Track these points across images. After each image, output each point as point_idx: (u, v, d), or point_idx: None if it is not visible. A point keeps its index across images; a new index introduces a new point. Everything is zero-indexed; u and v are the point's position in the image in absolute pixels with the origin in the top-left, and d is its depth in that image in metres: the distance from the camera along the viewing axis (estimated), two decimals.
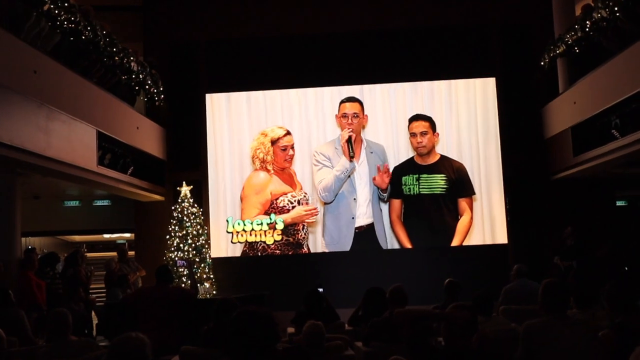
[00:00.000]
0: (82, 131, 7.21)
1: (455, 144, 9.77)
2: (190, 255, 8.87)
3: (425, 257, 9.48)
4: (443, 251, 9.47)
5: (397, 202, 9.47)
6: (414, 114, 9.53)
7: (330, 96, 9.78)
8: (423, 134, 9.31)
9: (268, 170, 9.14)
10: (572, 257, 8.96)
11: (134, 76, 8.75)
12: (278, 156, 9.16)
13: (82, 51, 7.28)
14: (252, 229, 9.05)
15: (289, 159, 9.26)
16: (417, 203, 9.45)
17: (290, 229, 9.20)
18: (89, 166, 7.42)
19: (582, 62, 8.53)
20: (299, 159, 9.59)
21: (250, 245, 9.33)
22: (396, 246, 9.55)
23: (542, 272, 8.49)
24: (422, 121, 9.36)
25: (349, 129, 9.01)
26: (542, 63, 9.63)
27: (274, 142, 9.14)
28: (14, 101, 5.75)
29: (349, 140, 8.93)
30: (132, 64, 8.61)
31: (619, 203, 11.93)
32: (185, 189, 9.14)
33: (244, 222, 9.08)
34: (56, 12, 6.45)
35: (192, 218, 9.04)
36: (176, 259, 8.84)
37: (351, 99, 9.37)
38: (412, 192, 9.44)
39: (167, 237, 9.07)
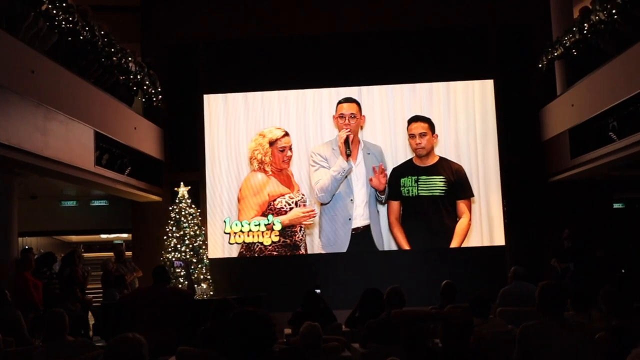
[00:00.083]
0: (79, 131, 7.20)
1: (454, 145, 9.77)
2: (188, 256, 8.86)
3: (423, 258, 9.48)
4: (441, 253, 9.48)
5: (395, 204, 9.47)
6: (413, 115, 9.53)
7: (328, 97, 9.79)
8: (422, 135, 9.33)
9: (266, 172, 9.14)
10: (569, 259, 8.99)
11: (131, 76, 8.74)
12: (276, 157, 9.16)
13: (80, 51, 7.28)
14: (250, 230, 9.05)
15: (287, 160, 9.27)
16: (415, 205, 9.45)
17: (287, 230, 9.20)
18: (87, 166, 7.41)
19: (580, 65, 8.54)
20: (297, 160, 9.59)
21: (247, 247, 9.33)
22: (393, 248, 9.55)
23: (539, 274, 8.51)
24: (421, 122, 9.37)
25: (346, 129, 9.03)
26: (540, 65, 9.64)
27: (272, 143, 9.15)
28: (11, 101, 5.74)
29: (346, 140, 8.94)
30: (130, 64, 8.61)
31: (616, 205, 11.96)
32: (182, 190, 9.13)
33: (241, 223, 9.08)
34: (54, 12, 6.44)
35: (189, 219, 9.03)
36: (173, 259, 8.83)
37: (348, 100, 9.38)
38: (410, 194, 9.43)
39: (165, 237, 9.06)
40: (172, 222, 9.05)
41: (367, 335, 4.39)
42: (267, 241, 9.09)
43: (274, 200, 9.12)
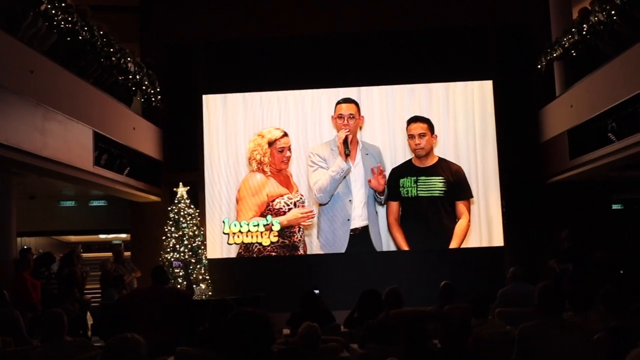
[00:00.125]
0: (78, 131, 7.20)
1: (453, 146, 9.77)
2: (186, 256, 8.86)
3: (422, 259, 9.48)
4: (439, 253, 9.47)
5: (394, 205, 9.46)
6: (412, 115, 9.53)
7: (327, 98, 9.78)
8: (421, 135, 9.31)
9: (265, 172, 9.13)
10: (568, 259, 8.99)
11: (131, 77, 8.74)
12: (275, 158, 9.15)
13: (79, 51, 7.27)
14: (249, 230, 9.04)
15: (286, 160, 9.26)
16: (414, 205, 9.44)
17: (285, 231, 9.19)
18: (85, 166, 7.41)
19: (579, 66, 8.55)
20: (296, 160, 9.58)
21: (245, 247, 9.32)
22: (391, 248, 9.54)
23: (538, 275, 8.51)
24: (421, 123, 9.36)
25: (345, 129, 9.02)
26: (539, 66, 9.65)
27: (271, 144, 9.14)
28: (10, 101, 5.73)
29: (345, 141, 8.94)
30: (129, 64, 8.61)
31: (614, 206, 11.97)
32: (181, 190, 9.13)
33: (240, 223, 9.07)
34: (53, 12, 6.44)
35: (188, 219, 9.02)
36: (172, 259, 8.83)
37: (347, 100, 9.37)
38: (409, 195, 9.42)
39: (163, 238, 9.05)
40: (170, 223, 9.05)
41: (365, 335, 4.39)
42: (265, 242, 9.08)
43: (273, 200, 9.11)
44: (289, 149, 9.27)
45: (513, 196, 9.92)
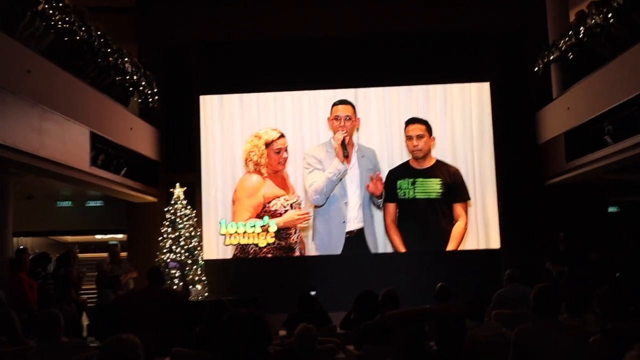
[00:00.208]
0: (75, 131, 7.19)
1: (450, 148, 9.77)
2: (183, 257, 8.83)
3: (418, 261, 9.47)
4: (436, 255, 9.46)
5: (391, 206, 9.45)
6: (410, 117, 9.52)
7: (324, 99, 9.77)
8: (419, 137, 9.28)
9: (261, 173, 9.08)
10: (565, 262, 9.01)
11: (128, 77, 8.73)
12: (272, 159, 9.10)
13: (77, 51, 7.27)
14: (245, 232, 9.02)
15: (283, 161, 9.23)
16: (412, 207, 9.42)
17: (282, 232, 9.15)
18: (82, 167, 7.40)
19: (576, 68, 8.57)
20: (292, 162, 9.56)
21: (241, 249, 9.30)
22: (388, 250, 9.54)
23: (535, 277, 8.51)
24: (419, 124, 9.34)
25: (342, 131, 8.98)
26: (536, 68, 9.67)
27: (268, 145, 9.09)
28: (7, 101, 5.72)
29: (343, 142, 8.90)
30: (127, 64, 8.60)
31: (611, 209, 11.98)
32: (178, 191, 9.10)
33: (237, 224, 9.04)
34: (50, 12, 6.43)
35: (184, 220, 9.00)
36: (168, 260, 8.81)
37: (343, 102, 9.33)
38: (407, 196, 9.40)
39: (160, 238, 9.03)
40: (167, 223, 9.02)
41: (361, 337, 4.38)
42: (262, 243, 9.05)
43: (269, 202, 9.07)
44: (286, 150, 9.24)
45: (510, 198, 9.93)
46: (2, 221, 7.41)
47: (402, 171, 9.48)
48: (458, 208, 9.39)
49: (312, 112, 9.87)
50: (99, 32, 7.65)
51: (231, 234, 9.05)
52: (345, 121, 9.10)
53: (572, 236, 9.21)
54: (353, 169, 9.28)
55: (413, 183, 9.38)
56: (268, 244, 9.08)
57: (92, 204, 11.98)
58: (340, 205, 9.23)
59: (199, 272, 8.94)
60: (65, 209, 12.04)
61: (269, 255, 9.27)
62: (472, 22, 10.45)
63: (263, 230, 8.99)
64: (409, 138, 9.36)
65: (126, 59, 8.57)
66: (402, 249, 9.44)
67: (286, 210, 9.06)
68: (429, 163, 9.41)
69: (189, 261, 8.87)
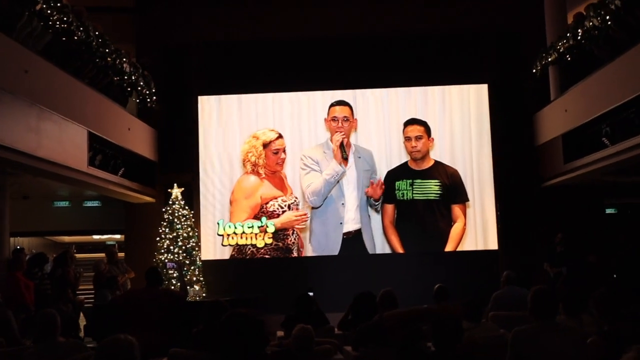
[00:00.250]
0: (73, 132, 7.18)
1: (449, 149, 9.77)
2: (180, 258, 8.83)
3: (416, 262, 9.46)
4: (434, 256, 9.44)
5: (389, 207, 9.43)
6: (409, 118, 9.52)
7: (322, 100, 9.75)
8: (418, 138, 9.26)
9: (259, 174, 9.08)
10: (562, 263, 9.02)
11: (126, 77, 8.73)
12: (270, 159, 9.08)
13: (75, 51, 7.26)
14: (243, 232, 9.01)
15: (281, 162, 9.21)
16: (410, 208, 9.40)
17: (279, 233, 9.13)
18: (80, 167, 7.39)
19: (574, 70, 8.59)
20: (290, 162, 9.55)
21: (239, 250, 9.29)
22: (386, 251, 9.53)
23: (532, 279, 8.53)
24: (417, 125, 9.32)
25: (340, 132, 8.96)
26: (534, 70, 9.69)
27: (265, 145, 9.07)
28: (4, 101, 5.71)
29: (341, 144, 8.88)
30: (125, 65, 8.60)
31: (608, 211, 12.02)
32: (176, 191, 9.10)
33: (234, 224, 9.04)
34: (48, 12, 6.43)
35: (182, 220, 8.99)
36: (166, 261, 8.80)
37: (341, 103, 9.31)
38: (405, 197, 9.38)
39: (157, 239, 9.02)
40: (165, 224, 9.02)
41: (359, 338, 4.38)
42: (260, 243, 9.04)
43: (267, 203, 9.06)
44: (284, 151, 9.23)
45: (508, 200, 9.94)
46: None
47: (401, 172, 9.47)
48: (456, 209, 9.38)
49: (311, 113, 9.86)
50: (97, 32, 7.64)
51: (229, 235, 9.04)
52: (342, 122, 9.09)
53: (569, 237, 9.22)
54: (350, 170, 9.24)
55: (411, 184, 9.36)
56: (266, 245, 9.07)
57: (89, 204, 11.97)
58: (337, 206, 9.20)
59: (196, 273, 8.94)
60: (62, 209, 12.02)
61: (266, 257, 9.26)
62: (470, 24, 10.47)
63: (261, 231, 8.98)
64: (407, 139, 9.34)
65: (124, 59, 8.56)
66: (400, 250, 9.43)
67: (284, 211, 9.05)
68: (427, 164, 9.39)
69: (187, 261, 8.86)
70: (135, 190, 9.41)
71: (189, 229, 9.01)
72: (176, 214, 8.99)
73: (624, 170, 8.23)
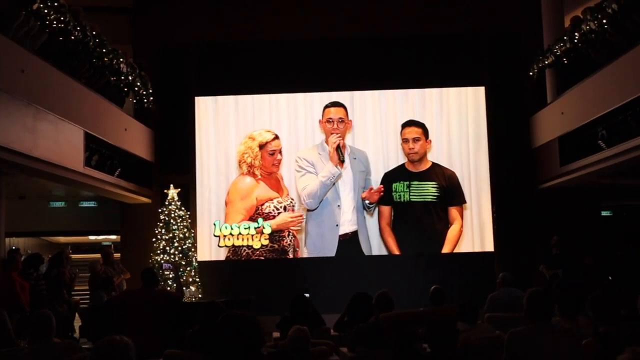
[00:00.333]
0: (69, 132, 7.16)
1: (446, 151, 9.78)
2: (177, 258, 8.82)
3: (413, 264, 9.46)
4: (430, 258, 9.43)
5: (386, 209, 9.41)
6: (406, 120, 9.51)
7: (319, 102, 9.71)
8: (415, 140, 9.23)
9: (255, 175, 9.03)
10: (558, 265, 9.04)
11: (123, 77, 8.71)
12: (266, 160, 9.03)
13: (71, 51, 7.25)
14: (240, 233, 8.99)
15: (277, 163, 9.16)
16: (407, 210, 9.37)
17: (275, 235, 9.09)
18: (76, 167, 7.37)
19: (571, 73, 8.62)
20: (287, 164, 9.53)
21: (234, 251, 9.27)
22: (383, 253, 9.53)
23: (528, 281, 8.55)
24: (415, 127, 9.29)
25: (336, 134, 8.90)
26: (531, 73, 9.71)
27: (262, 146, 9.01)
28: (0, 100, 5.70)
29: (338, 146, 8.83)
30: (122, 65, 8.58)
31: (604, 213, 12.05)
32: (172, 192, 9.09)
33: (231, 226, 9.02)
34: (45, 11, 6.42)
35: (179, 221, 8.98)
36: (162, 261, 8.79)
37: (336, 104, 9.22)
38: (402, 199, 9.36)
39: (153, 239, 9.01)
40: (161, 224, 9.01)
41: (355, 339, 4.38)
42: (256, 244, 9.00)
43: (262, 204, 9.03)
44: (280, 152, 9.17)
45: (504, 201, 9.96)
46: None
47: (398, 174, 9.45)
48: (453, 211, 9.36)
49: (308, 114, 9.85)
50: (94, 32, 7.63)
51: (225, 236, 9.03)
52: (338, 123, 9.02)
53: (565, 240, 9.25)
54: (346, 172, 9.17)
55: (408, 186, 9.34)
56: (262, 246, 9.03)
57: (85, 204, 11.94)
58: (333, 208, 9.13)
59: (192, 274, 8.93)
60: (58, 210, 11.99)
61: (262, 258, 9.24)
62: (467, 27, 10.48)
63: (257, 232, 8.96)
64: (405, 141, 9.30)
65: (121, 60, 8.55)
66: (397, 252, 9.42)
67: (279, 213, 9.02)
68: (424, 166, 9.37)
69: (183, 262, 8.85)
70: (132, 191, 9.39)
71: (185, 230, 9.00)
72: (172, 215, 8.98)
73: (620, 172, 8.26)
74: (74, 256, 13.51)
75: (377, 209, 9.44)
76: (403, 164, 9.50)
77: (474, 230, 9.71)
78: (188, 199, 9.70)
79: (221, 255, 9.50)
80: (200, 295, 8.82)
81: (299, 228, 9.28)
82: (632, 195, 11.40)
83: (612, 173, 8.25)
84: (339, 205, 9.14)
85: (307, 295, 5.95)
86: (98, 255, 10.14)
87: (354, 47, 10.37)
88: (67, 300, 8.12)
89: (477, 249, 9.68)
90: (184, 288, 8.57)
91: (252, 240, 8.97)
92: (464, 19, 10.47)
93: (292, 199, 9.26)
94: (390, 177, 9.45)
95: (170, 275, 8.70)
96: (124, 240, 10.60)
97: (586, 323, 4.26)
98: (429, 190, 9.33)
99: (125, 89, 9.02)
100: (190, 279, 8.86)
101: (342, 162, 8.85)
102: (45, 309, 4.72)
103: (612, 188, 10.44)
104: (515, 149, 10.16)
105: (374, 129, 9.85)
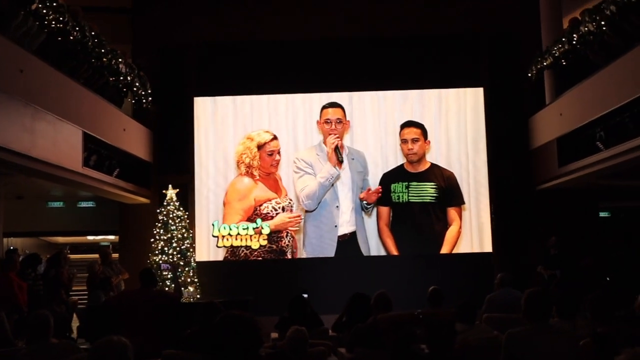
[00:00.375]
0: (68, 132, 7.16)
1: (444, 152, 9.79)
2: (175, 259, 8.81)
3: (411, 264, 9.47)
4: (428, 259, 9.45)
5: (385, 210, 9.41)
6: (405, 120, 9.51)
7: (318, 102, 9.71)
8: (414, 140, 9.23)
9: (253, 176, 9.02)
10: (556, 266, 9.05)
11: (121, 78, 8.71)
12: (264, 161, 9.03)
13: (70, 51, 7.24)
14: (238, 233, 8.99)
15: (275, 164, 9.15)
16: (406, 211, 9.38)
17: (273, 235, 9.09)
18: (74, 167, 7.37)
19: (569, 75, 8.63)
20: (285, 164, 9.52)
21: (232, 252, 9.26)
22: (381, 253, 9.53)
23: (526, 281, 8.55)
24: (414, 128, 9.30)
25: (334, 135, 8.90)
26: (529, 74, 9.72)
27: (260, 147, 9.01)
28: None
29: (336, 147, 8.83)
30: (121, 65, 8.58)
31: (602, 214, 12.06)
32: (171, 192, 9.08)
33: (229, 226, 9.01)
34: (44, 11, 6.41)
35: (177, 221, 8.97)
36: (160, 262, 8.78)
37: (333, 105, 9.23)
38: (401, 200, 9.36)
39: (152, 240, 9.00)
40: (159, 225, 9.00)
41: (353, 340, 4.38)
42: (255, 245, 9.00)
43: (260, 205, 9.02)
44: (279, 153, 9.17)
45: (502, 202, 9.97)
46: None
47: (397, 175, 9.46)
48: (452, 212, 9.37)
49: (306, 115, 9.84)
50: (92, 32, 7.63)
51: (224, 236, 9.02)
52: (336, 124, 9.02)
53: (563, 240, 9.25)
54: (344, 172, 9.17)
55: (407, 187, 9.34)
56: (261, 246, 9.03)
57: (83, 204, 11.93)
58: (331, 209, 9.14)
59: (191, 274, 8.92)
60: (56, 210, 11.98)
61: (260, 259, 9.23)
62: (466, 28, 10.49)
63: (256, 233, 8.96)
64: (404, 141, 9.31)
65: (120, 60, 8.55)
66: (395, 253, 9.42)
67: (277, 213, 9.01)
68: (423, 167, 9.38)
69: (181, 263, 8.84)
70: (130, 191, 9.38)
71: (184, 230, 8.99)
72: (171, 215, 8.97)
73: (618, 173, 8.26)
74: (72, 256, 13.47)
75: (375, 210, 9.45)
76: (402, 165, 9.50)
77: (472, 231, 9.71)
78: (186, 199, 9.70)
79: (219, 255, 9.49)
80: (198, 296, 8.81)
81: (297, 228, 9.28)
82: (630, 196, 11.42)
83: (610, 174, 8.26)
84: (337, 206, 9.14)
85: (305, 295, 5.95)
86: (96, 256, 10.13)
87: (354, 47, 10.36)
88: (65, 301, 8.11)
89: (476, 250, 9.69)
90: (182, 288, 8.56)
91: (251, 240, 8.97)
92: (463, 20, 10.47)
93: (291, 200, 9.26)
94: (389, 178, 9.46)
95: (169, 276, 8.69)
96: (122, 241, 10.59)
97: (584, 324, 4.26)
98: (427, 190, 9.33)
99: (124, 89, 9.02)
100: (189, 280, 8.85)
101: (340, 162, 8.85)
102: (43, 309, 4.71)
103: (610, 189, 10.45)
104: (513, 149, 10.17)
105: (373, 130, 9.85)
